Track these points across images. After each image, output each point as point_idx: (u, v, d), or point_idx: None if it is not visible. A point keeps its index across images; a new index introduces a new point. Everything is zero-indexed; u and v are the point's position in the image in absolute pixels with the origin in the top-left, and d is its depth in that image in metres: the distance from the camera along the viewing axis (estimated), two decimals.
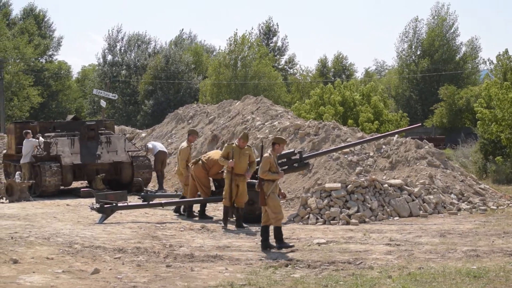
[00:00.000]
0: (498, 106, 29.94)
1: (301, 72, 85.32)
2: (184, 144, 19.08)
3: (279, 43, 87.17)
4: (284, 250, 13.23)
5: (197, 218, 18.25)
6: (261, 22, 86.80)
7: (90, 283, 10.03)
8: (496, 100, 30.22)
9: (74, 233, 14.89)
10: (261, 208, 13.77)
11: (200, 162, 18.24)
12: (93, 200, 18.77)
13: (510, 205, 19.68)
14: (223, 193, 16.87)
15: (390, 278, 10.27)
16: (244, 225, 16.52)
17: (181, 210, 19.03)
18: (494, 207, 19.29)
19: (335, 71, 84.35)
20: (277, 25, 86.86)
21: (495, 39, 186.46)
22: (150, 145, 26.57)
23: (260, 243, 13.61)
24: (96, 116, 73.94)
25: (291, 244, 13.63)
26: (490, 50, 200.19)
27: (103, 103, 34.84)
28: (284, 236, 14.70)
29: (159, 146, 26.40)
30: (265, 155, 13.63)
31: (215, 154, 18.57)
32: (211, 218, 18.36)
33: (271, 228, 13.56)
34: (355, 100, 43.79)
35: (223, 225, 16.67)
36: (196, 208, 18.75)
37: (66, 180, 24.29)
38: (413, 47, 77.58)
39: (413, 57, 77.47)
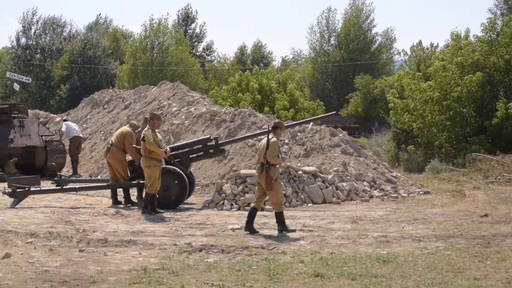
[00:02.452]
0: (410, 96, 30.58)
1: (218, 59, 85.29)
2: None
3: (197, 30, 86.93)
4: (288, 234, 13.38)
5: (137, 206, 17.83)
6: (180, 8, 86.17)
7: (0, 268, 9.86)
8: (408, 90, 30.85)
9: None
10: (263, 192, 13.78)
11: (114, 146, 18.01)
12: (5, 184, 18.44)
13: (421, 192, 20.13)
14: (148, 180, 16.11)
15: (302, 262, 10.42)
16: (159, 210, 16.40)
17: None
18: (405, 195, 19.71)
19: (253, 59, 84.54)
20: (196, 12, 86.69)
21: (409, 31, 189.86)
22: (64, 128, 26.14)
23: (245, 224, 13.66)
24: (9, 99, 72.38)
25: (293, 228, 13.75)
26: (405, 41, 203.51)
27: (16, 87, 34.07)
28: (198, 222, 14.83)
29: (75, 130, 26.00)
30: (273, 139, 13.53)
31: (119, 131, 18.41)
32: (136, 204, 18.08)
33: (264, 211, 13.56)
34: (272, 88, 44.00)
35: (154, 213, 16.19)
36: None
37: None
38: (326, 37, 78.38)
39: (327, 47, 78.28)
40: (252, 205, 13.98)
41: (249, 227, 13.59)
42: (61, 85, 75.20)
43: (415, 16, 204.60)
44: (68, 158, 26.11)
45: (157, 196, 16.51)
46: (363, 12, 76.42)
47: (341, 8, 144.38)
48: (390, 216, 15.92)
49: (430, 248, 11.55)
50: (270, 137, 13.57)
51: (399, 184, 20.88)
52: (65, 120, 27.37)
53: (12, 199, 17.00)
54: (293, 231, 13.62)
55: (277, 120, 14.18)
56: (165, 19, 69.59)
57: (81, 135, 26.42)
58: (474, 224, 14.32)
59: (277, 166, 13.62)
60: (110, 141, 18.43)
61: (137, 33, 79.87)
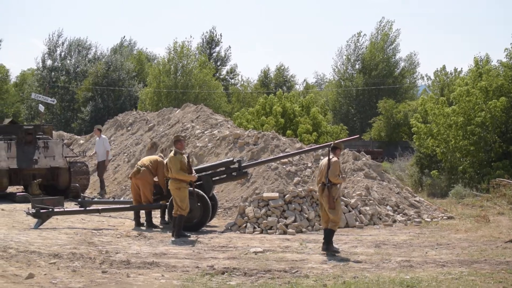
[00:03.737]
0: (434, 120, 30.48)
1: (242, 82, 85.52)
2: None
3: (222, 53, 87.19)
4: (331, 254, 13.63)
5: (159, 229, 17.90)
6: (205, 32, 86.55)
7: None
8: (432, 115, 30.76)
9: (8, 237, 14.68)
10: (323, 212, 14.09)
11: (144, 168, 18.01)
12: (29, 205, 18.52)
13: (444, 217, 20.01)
14: (181, 202, 16.12)
15: (325, 286, 10.39)
16: (186, 234, 16.38)
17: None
18: (429, 220, 19.61)
19: (276, 83, 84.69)
20: (221, 35, 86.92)
21: (433, 56, 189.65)
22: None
23: (325, 245, 13.88)
24: (34, 121, 72.90)
25: (337, 248, 13.91)
26: (428, 66, 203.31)
27: (41, 108, 34.26)
28: (220, 245, 14.83)
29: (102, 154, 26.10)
30: (334, 159, 13.83)
31: (153, 157, 18.49)
32: (158, 227, 18.16)
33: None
34: (295, 112, 44.03)
35: (184, 235, 16.21)
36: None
37: (1, 185, 23.85)
38: (352, 60, 78.44)
39: (352, 71, 78.32)
40: (323, 227, 14.25)
41: (328, 248, 13.83)
42: (81, 107, 75.60)
43: (438, 41, 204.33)
44: (92, 179, 26.21)
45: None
46: (389, 37, 76.42)
47: (368, 32, 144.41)
48: (414, 240, 15.84)
49: (454, 273, 11.48)
50: (330, 157, 13.81)
51: (422, 208, 20.78)
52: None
53: (35, 220, 17.08)
54: (337, 251, 13.77)
55: (336, 141, 14.33)
56: (188, 42, 69.88)
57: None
58: (498, 250, 14.21)
59: (338, 185, 13.89)
60: (141, 163, 18.34)
61: (161, 56, 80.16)
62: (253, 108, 46.14)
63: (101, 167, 25.87)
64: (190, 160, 17.89)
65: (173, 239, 15.85)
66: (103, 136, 26.24)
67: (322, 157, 22.62)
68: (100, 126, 26.87)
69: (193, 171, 16.77)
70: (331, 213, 13.82)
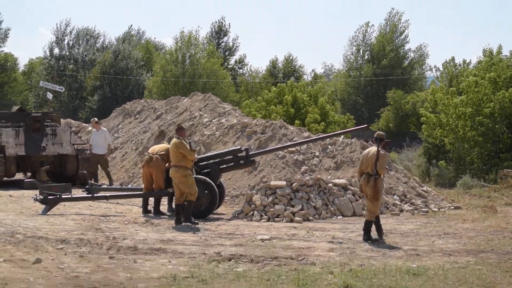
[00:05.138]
0: (443, 111, 30.41)
1: (250, 72, 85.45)
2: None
3: (230, 43, 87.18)
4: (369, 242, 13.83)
5: (166, 216, 17.91)
6: (214, 21, 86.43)
7: (31, 272, 9.97)
8: (441, 105, 30.69)
9: (16, 223, 14.75)
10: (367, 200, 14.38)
11: (157, 155, 18.01)
12: (37, 191, 18.56)
13: (451, 207, 19.99)
14: (189, 188, 16.25)
15: (332, 274, 10.39)
16: (194, 221, 16.44)
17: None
18: (436, 209, 19.59)
19: (284, 73, 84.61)
20: (229, 25, 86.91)
21: (442, 47, 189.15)
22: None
23: (365, 236, 14.10)
24: (42, 109, 73.00)
25: (375, 238, 14.08)
26: (437, 58, 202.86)
27: (49, 96, 34.35)
28: (227, 232, 14.86)
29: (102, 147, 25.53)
30: (383, 151, 14.03)
31: (163, 146, 18.47)
32: (166, 214, 18.16)
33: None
34: (304, 101, 43.98)
35: (193, 222, 16.35)
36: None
37: (9, 171, 23.95)
38: (361, 51, 78.30)
39: (361, 61, 78.18)
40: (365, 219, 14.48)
41: (380, 236, 14.14)
42: (89, 97, 75.70)
43: (448, 33, 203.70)
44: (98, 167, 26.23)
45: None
46: (398, 28, 76.22)
47: (376, 22, 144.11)
48: (420, 230, 15.83)
49: (460, 263, 11.48)
50: (379, 149, 13.97)
51: (429, 198, 20.75)
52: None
53: (43, 206, 17.14)
54: (376, 240, 13.97)
55: (381, 132, 14.39)
56: (196, 32, 69.85)
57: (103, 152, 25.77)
58: (505, 240, 14.20)
59: (382, 176, 14.12)
60: (152, 151, 18.32)
61: (169, 46, 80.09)
62: (265, 96, 45.92)
63: (104, 161, 25.06)
64: (198, 148, 17.94)
65: (175, 226, 15.91)
66: (103, 128, 25.77)
67: (329, 146, 22.62)
68: (96, 119, 26.45)
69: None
70: (373, 204, 14.04)
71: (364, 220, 14.39)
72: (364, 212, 18.41)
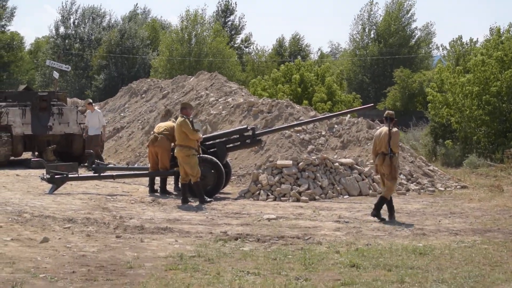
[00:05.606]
0: (450, 90, 30.30)
1: (256, 51, 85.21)
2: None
3: (236, 22, 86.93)
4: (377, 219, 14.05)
5: (173, 195, 17.96)
6: (220, 0, 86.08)
7: (39, 251, 10.02)
8: (448, 84, 30.57)
9: (23, 202, 14.81)
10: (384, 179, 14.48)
11: (161, 135, 17.96)
12: (44, 171, 18.62)
13: (458, 187, 19.98)
14: (191, 169, 16.30)
15: (338, 253, 10.42)
16: (208, 199, 16.51)
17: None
18: (442, 189, 19.57)
19: (291, 52, 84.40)
20: (235, 4, 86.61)
21: (449, 26, 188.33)
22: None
23: (375, 211, 14.23)
24: (48, 88, 73.02)
25: (384, 217, 14.22)
26: (444, 36, 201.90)
27: (56, 75, 34.39)
28: (234, 211, 14.89)
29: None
30: (395, 129, 14.20)
31: (168, 124, 18.40)
32: (172, 193, 18.20)
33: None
34: (311, 81, 43.87)
35: (207, 201, 16.45)
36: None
37: (16, 151, 24.02)
38: (367, 30, 77.99)
39: (367, 40, 77.87)
40: (380, 195, 14.63)
41: (391, 216, 14.28)
42: (95, 75, 75.70)
43: (454, 11, 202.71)
44: (106, 146, 26.21)
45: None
46: (404, 6, 75.83)
47: (382, 1, 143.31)
48: (427, 209, 15.84)
49: (467, 242, 11.49)
50: (390, 127, 14.13)
51: (436, 178, 20.73)
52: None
53: (50, 185, 17.20)
54: (383, 219, 14.09)
55: (390, 111, 14.47)
56: (202, 10, 69.68)
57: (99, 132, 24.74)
58: (511, 219, 14.20)
59: (397, 154, 14.28)
60: (157, 130, 18.26)
61: (175, 24, 79.90)
62: (273, 75, 45.76)
63: (96, 141, 24.12)
64: (204, 127, 17.93)
65: (181, 205, 15.97)
66: (97, 109, 25.30)
67: (336, 126, 22.60)
68: (90, 99, 26.15)
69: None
70: (391, 181, 14.18)
71: (380, 196, 14.50)
72: (370, 191, 18.47)
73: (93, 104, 25.73)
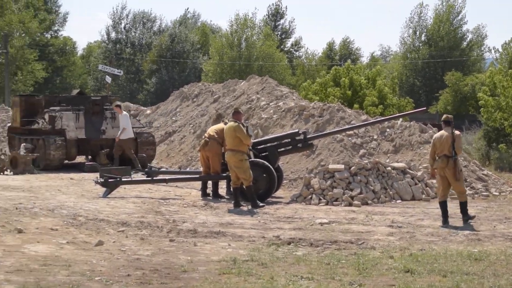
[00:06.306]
0: (503, 93, 29.93)
1: (306, 55, 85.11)
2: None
3: (286, 25, 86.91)
4: (470, 221, 14.20)
5: (225, 199, 18.06)
6: (270, 4, 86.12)
7: (94, 254, 10.12)
8: (501, 87, 30.20)
9: (78, 205, 15.00)
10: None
11: (211, 139, 18.01)
12: (97, 174, 18.81)
13: None
14: (244, 173, 16.30)
15: (392, 258, 10.34)
16: (260, 204, 16.53)
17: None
18: (496, 193, 19.32)
19: (341, 55, 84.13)
20: (286, 8, 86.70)
21: (501, 28, 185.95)
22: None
23: (465, 217, 14.37)
24: (100, 92, 73.82)
25: (473, 215, 14.47)
26: (496, 39, 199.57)
27: (108, 79, 34.69)
28: (286, 215, 14.88)
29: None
30: (457, 132, 14.39)
31: (217, 127, 18.40)
32: (224, 197, 18.27)
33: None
34: (361, 84, 43.66)
35: (259, 205, 16.41)
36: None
37: (70, 154, 24.34)
38: (418, 33, 77.35)
39: (417, 43, 77.22)
40: (440, 200, 14.65)
41: (445, 221, 14.22)
42: (146, 79, 76.33)
43: (507, 12, 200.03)
44: (158, 150, 26.36)
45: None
46: (454, 8, 75.07)
47: (432, 3, 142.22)
48: (481, 214, 15.63)
49: None
50: (453, 130, 14.28)
51: (490, 182, 20.47)
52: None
53: (104, 189, 17.38)
54: (474, 216, 14.42)
55: (449, 115, 14.55)
56: (253, 14, 69.86)
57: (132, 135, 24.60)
58: None
59: (459, 157, 14.59)
60: (207, 135, 18.30)
61: (225, 29, 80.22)
62: (322, 79, 45.66)
63: (128, 144, 23.84)
64: (255, 131, 17.94)
65: (233, 209, 16.07)
66: (125, 112, 24.97)
67: (388, 130, 22.44)
68: (119, 102, 25.81)
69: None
70: (460, 185, 14.33)
71: (460, 203, 14.49)
72: (423, 196, 18.30)
73: (145, 108, 25.91)
